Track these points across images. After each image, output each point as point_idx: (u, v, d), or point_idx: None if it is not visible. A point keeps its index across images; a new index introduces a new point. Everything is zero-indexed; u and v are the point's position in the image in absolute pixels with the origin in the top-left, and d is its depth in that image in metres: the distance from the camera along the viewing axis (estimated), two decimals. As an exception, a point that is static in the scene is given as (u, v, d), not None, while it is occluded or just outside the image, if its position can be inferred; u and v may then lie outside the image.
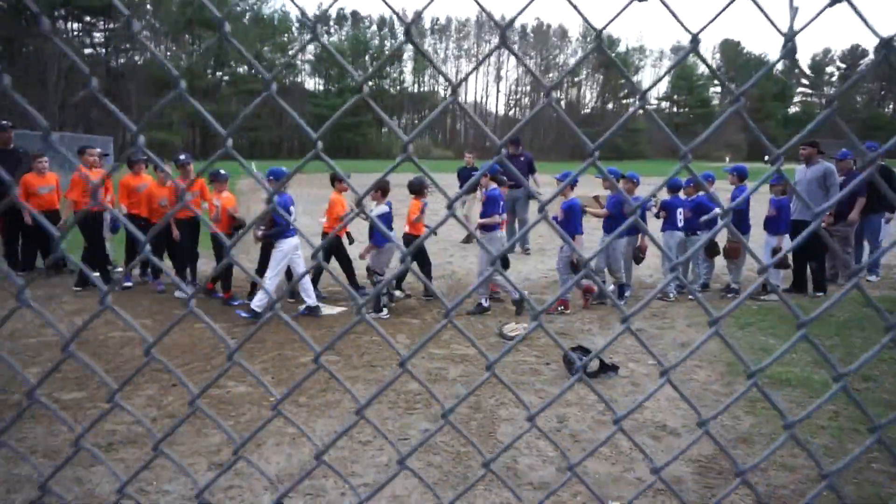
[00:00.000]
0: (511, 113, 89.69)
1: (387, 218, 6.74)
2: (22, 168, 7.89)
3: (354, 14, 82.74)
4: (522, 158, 10.55)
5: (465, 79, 0.84)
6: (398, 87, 78.53)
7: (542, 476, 3.54)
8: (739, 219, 7.60)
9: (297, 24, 79.33)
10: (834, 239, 8.01)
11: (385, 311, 6.85)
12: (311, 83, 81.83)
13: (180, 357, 5.39)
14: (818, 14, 0.85)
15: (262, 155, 64.48)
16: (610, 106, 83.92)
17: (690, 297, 7.64)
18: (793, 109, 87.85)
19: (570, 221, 6.90)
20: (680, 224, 7.64)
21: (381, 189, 6.80)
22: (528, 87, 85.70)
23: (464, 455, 3.77)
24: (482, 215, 7.07)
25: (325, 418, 4.27)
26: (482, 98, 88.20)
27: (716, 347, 5.74)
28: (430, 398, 4.54)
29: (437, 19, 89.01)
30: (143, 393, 4.61)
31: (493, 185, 7.09)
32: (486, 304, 7.10)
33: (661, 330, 6.36)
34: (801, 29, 0.86)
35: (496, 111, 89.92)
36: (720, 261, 7.96)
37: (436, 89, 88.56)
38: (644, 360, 5.42)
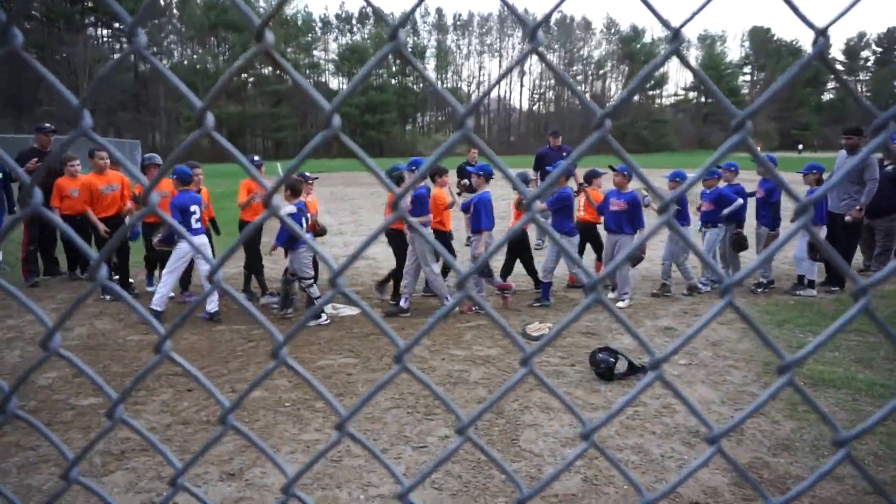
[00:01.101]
0: (535, 108, 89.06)
1: (296, 219, 6.33)
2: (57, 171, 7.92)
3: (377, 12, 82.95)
4: (565, 154, 9.87)
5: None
6: (420, 85, 78.19)
7: (569, 487, 3.34)
8: (775, 212, 7.30)
9: (320, 25, 79.83)
10: (877, 233, 7.66)
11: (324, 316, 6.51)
12: (336, 83, 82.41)
13: (198, 360, 5.31)
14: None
15: (288, 155, 65.07)
16: (636, 98, 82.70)
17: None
18: (826, 96, 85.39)
19: (478, 215, 6.81)
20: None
21: (291, 188, 6.43)
22: (552, 81, 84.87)
23: (485, 464, 3.59)
24: (411, 214, 6.81)
25: (341, 424, 4.13)
26: (506, 93, 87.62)
27: (751, 346, 5.46)
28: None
29: (460, 15, 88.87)
30: (158, 398, 4.53)
31: (422, 185, 6.90)
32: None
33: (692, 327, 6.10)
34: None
35: (520, 106, 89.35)
36: (746, 253, 7.65)
37: (459, 86, 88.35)
38: (675, 361, 5.17)
